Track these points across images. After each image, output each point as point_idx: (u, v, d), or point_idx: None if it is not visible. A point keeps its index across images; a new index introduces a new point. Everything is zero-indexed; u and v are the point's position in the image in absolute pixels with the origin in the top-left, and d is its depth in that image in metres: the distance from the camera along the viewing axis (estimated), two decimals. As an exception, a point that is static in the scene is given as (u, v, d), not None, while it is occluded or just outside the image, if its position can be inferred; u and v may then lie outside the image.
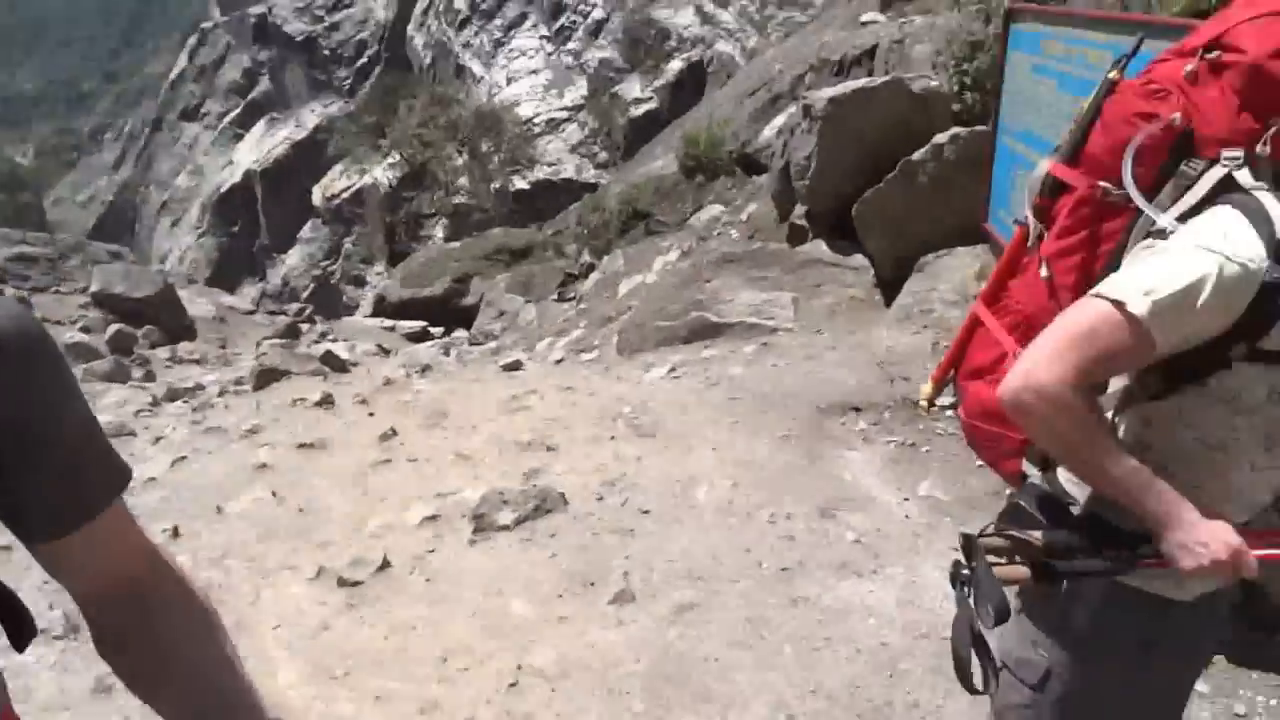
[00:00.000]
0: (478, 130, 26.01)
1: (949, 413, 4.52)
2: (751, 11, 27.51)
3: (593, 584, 3.41)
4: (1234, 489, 1.38)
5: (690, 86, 26.09)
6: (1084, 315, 1.28)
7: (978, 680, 1.41)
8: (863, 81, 6.53)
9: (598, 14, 30.97)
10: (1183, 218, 1.33)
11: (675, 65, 27.77)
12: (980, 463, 4.15)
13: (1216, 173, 1.35)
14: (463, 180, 25.85)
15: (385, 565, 3.59)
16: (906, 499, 3.94)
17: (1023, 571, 1.37)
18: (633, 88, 28.38)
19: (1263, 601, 3.00)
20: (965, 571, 1.43)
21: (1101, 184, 1.44)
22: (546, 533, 3.78)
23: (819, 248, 6.74)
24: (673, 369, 5.82)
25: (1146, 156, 1.40)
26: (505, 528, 3.82)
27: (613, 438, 4.74)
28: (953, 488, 3.94)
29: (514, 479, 4.28)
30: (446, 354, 10.00)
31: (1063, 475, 1.50)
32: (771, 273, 6.66)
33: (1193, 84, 1.43)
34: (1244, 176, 1.33)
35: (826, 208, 6.70)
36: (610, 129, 27.67)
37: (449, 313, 14.20)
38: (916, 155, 5.68)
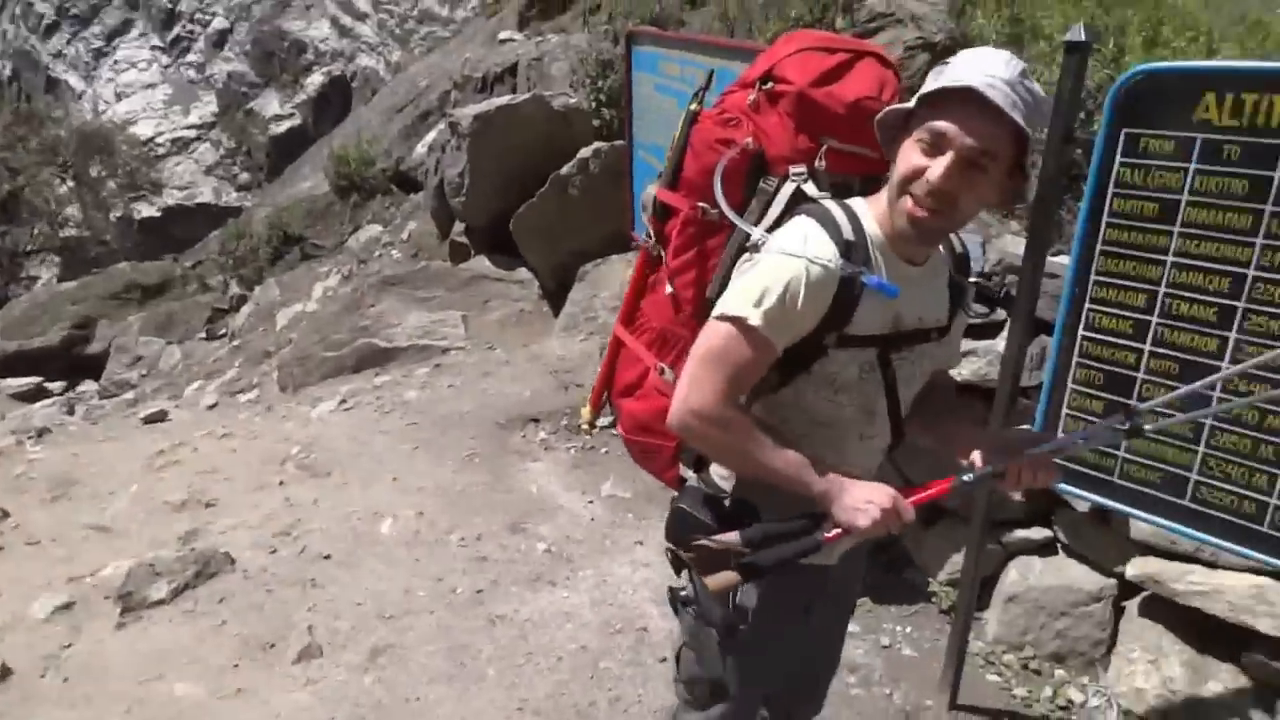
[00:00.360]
0: (83, 152, 22.70)
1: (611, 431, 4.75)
2: (391, 25, 26.91)
3: (272, 646, 3.13)
4: (850, 457, 1.60)
5: (336, 102, 24.92)
6: (714, 338, 1.44)
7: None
8: (507, 99, 6.65)
9: (219, 24, 28.45)
10: (771, 229, 1.51)
11: (316, 79, 26.36)
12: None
13: (789, 188, 1.55)
14: (71, 210, 22.43)
15: (6, 673, 3.01)
16: (591, 501, 4.08)
17: (733, 578, 1.47)
18: (270, 103, 26.50)
19: (890, 545, 3.52)
20: (684, 594, 1.57)
21: (700, 205, 1.60)
22: (212, 599, 3.40)
23: (482, 264, 6.76)
24: (343, 401, 5.52)
25: (731, 178, 1.58)
26: (160, 602, 3.38)
27: (282, 482, 4.38)
28: (631, 485, 4.15)
29: (167, 545, 3.80)
30: (70, 412, 8.61)
31: (714, 471, 1.67)
32: (438, 292, 6.56)
33: (756, 112, 1.64)
34: (811, 188, 1.55)
35: (484, 223, 6.74)
36: (249, 148, 25.60)
37: (70, 364, 12.24)
38: (565, 169, 5.90)
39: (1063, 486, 2.42)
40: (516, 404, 5.01)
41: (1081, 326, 2.29)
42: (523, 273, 6.45)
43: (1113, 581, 2.98)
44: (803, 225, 1.44)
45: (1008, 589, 3.12)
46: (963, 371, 3.09)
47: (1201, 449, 2.13)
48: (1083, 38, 2.08)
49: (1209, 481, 2.13)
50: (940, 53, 4.17)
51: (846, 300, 1.41)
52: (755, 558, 1.47)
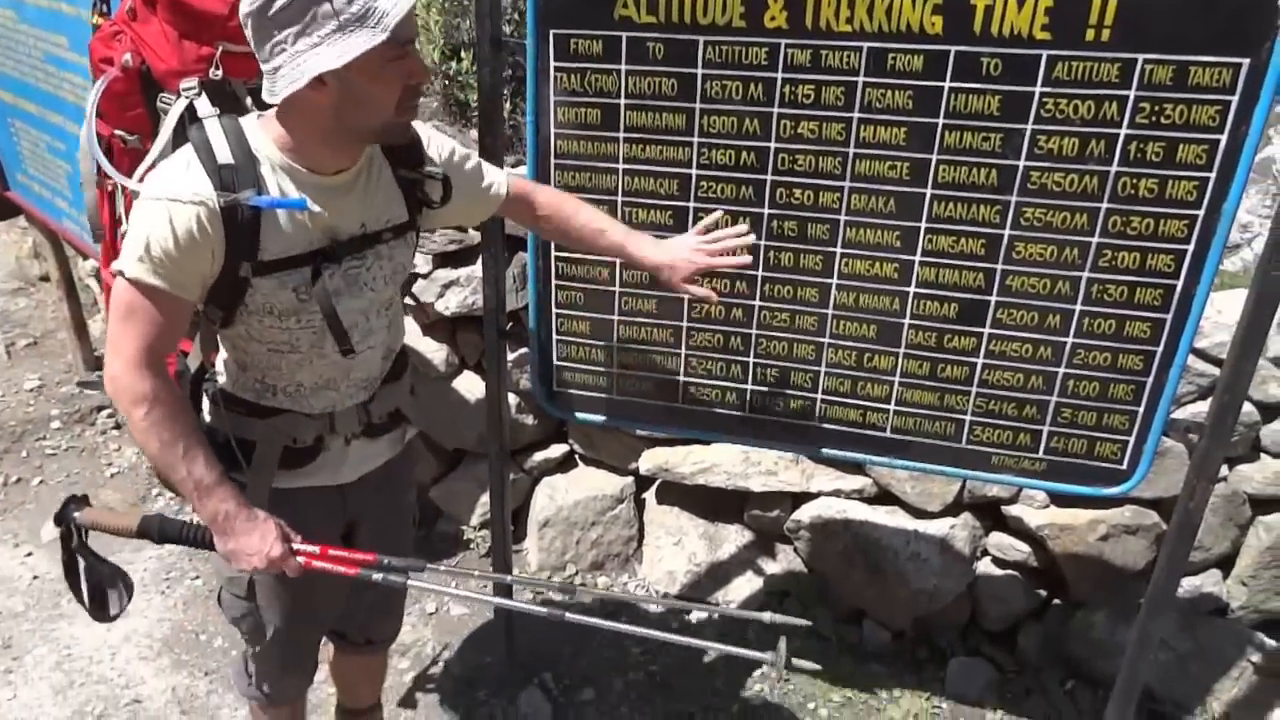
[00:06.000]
0: None
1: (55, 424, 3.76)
2: None
3: None
4: (323, 376, 1.53)
5: None
6: (118, 295, 1.30)
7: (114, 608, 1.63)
8: None
9: None
10: (164, 154, 1.38)
11: None
12: (109, 469, 3.56)
13: (180, 105, 1.40)
14: None
15: None
16: (30, 554, 3.15)
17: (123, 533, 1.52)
18: None
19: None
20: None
21: (118, 132, 1.46)
22: None
23: None
24: None
25: (120, 101, 1.45)
26: None
27: None
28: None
29: None
30: None
31: (205, 410, 1.63)
32: None
33: (134, 20, 1.46)
34: (202, 105, 1.39)
35: None
36: None
37: None
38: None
39: (571, 414, 2.32)
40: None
41: (552, 247, 2.12)
42: None
43: (630, 479, 3.06)
44: (175, 161, 1.31)
45: (539, 514, 3.04)
46: (449, 305, 2.84)
47: (684, 350, 2.13)
48: (489, -78, 1.80)
49: (696, 381, 2.15)
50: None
51: (241, 229, 1.29)
52: (150, 531, 1.49)
